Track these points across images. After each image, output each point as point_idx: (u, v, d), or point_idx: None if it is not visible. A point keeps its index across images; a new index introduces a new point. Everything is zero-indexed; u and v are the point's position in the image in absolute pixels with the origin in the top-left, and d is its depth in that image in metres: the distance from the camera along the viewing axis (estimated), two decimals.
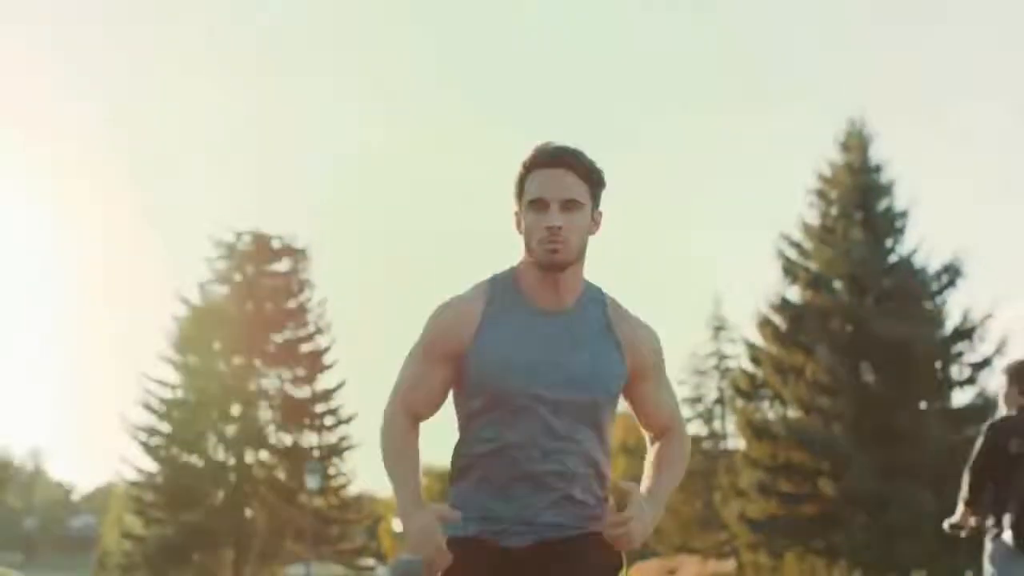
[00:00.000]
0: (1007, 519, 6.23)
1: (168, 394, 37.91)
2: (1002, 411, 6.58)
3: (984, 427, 6.53)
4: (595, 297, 3.26)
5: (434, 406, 3.26)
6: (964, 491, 6.48)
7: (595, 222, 3.23)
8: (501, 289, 3.24)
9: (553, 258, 3.14)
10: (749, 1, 76.92)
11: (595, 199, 3.21)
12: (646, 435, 3.42)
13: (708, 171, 77.17)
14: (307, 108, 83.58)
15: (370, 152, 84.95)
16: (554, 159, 3.18)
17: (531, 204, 3.17)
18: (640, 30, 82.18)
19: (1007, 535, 6.22)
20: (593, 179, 3.20)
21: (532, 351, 3.15)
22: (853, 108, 38.53)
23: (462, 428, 3.27)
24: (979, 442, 6.46)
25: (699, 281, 73.06)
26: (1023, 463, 6.27)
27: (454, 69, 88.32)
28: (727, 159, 75.42)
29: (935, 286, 31.25)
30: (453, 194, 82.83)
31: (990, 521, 6.38)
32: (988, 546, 6.37)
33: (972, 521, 6.50)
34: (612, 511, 3.16)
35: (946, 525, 6.64)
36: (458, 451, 3.27)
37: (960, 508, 6.55)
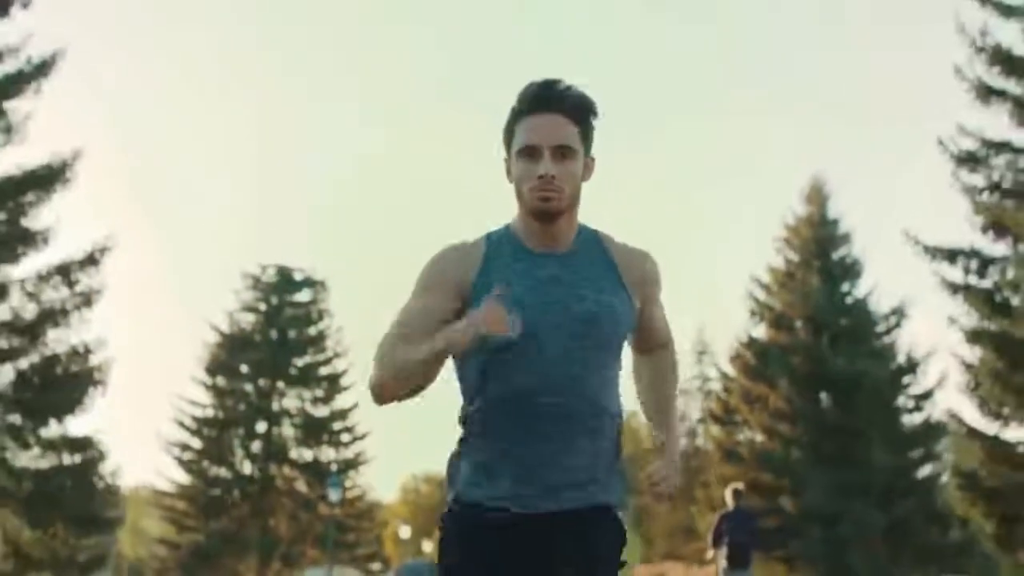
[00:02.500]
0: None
1: (199, 412, 43.28)
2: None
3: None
4: (589, 236, 3.28)
5: (429, 333, 3.14)
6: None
7: (587, 168, 3.21)
8: (497, 238, 3.24)
9: (546, 206, 3.13)
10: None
11: (588, 144, 3.20)
12: (632, 348, 3.49)
13: (706, 183, 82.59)
14: (327, 153, 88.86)
15: (379, 180, 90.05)
16: (545, 103, 3.15)
17: (521, 152, 3.15)
18: (640, 32, 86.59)
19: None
20: (585, 123, 3.18)
21: (536, 291, 3.14)
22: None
23: (466, 383, 3.24)
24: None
25: (686, 304, 78.59)
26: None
27: (464, 91, 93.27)
28: (726, 174, 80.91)
29: (884, 326, 37.12)
30: (467, 220, 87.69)
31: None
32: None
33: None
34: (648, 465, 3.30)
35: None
36: (464, 409, 3.24)
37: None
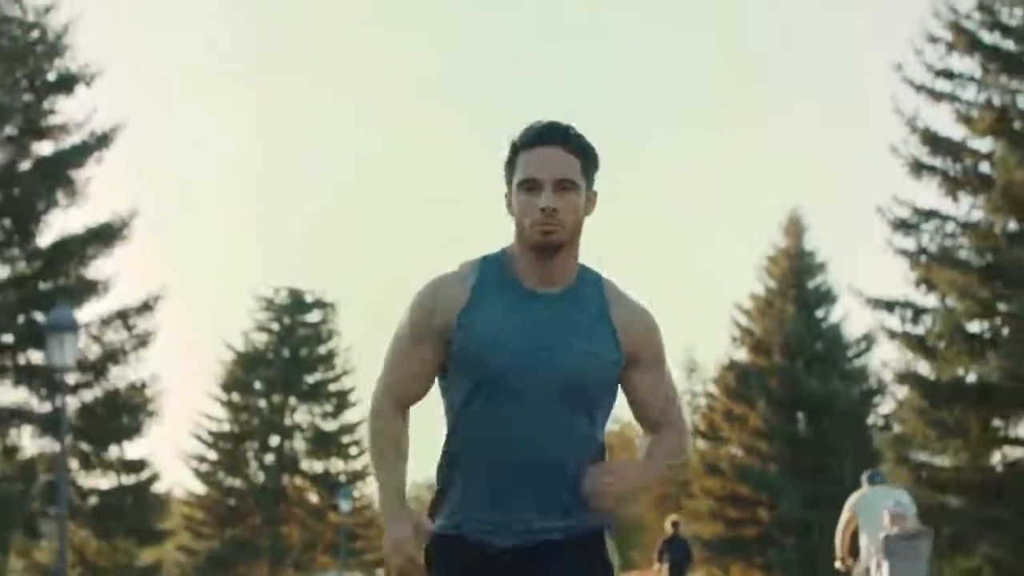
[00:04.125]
0: None
1: (215, 427, 47.16)
2: None
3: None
4: (591, 279, 3.27)
5: (423, 390, 3.27)
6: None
7: (590, 202, 3.24)
8: (491, 268, 3.26)
9: (547, 240, 3.15)
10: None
11: (589, 179, 3.23)
12: (640, 429, 3.46)
13: (702, 195, 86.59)
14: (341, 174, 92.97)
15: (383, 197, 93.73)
16: (547, 137, 3.20)
17: (523, 184, 3.18)
18: (639, 34, 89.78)
19: None
20: (587, 157, 3.23)
21: (522, 333, 3.16)
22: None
23: (448, 416, 3.29)
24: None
25: (677, 314, 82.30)
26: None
27: (463, 91, 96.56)
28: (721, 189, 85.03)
29: (855, 351, 41.50)
30: (469, 223, 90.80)
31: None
32: None
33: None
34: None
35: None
36: (445, 442, 3.29)
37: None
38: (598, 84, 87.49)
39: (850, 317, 41.74)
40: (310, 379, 48.50)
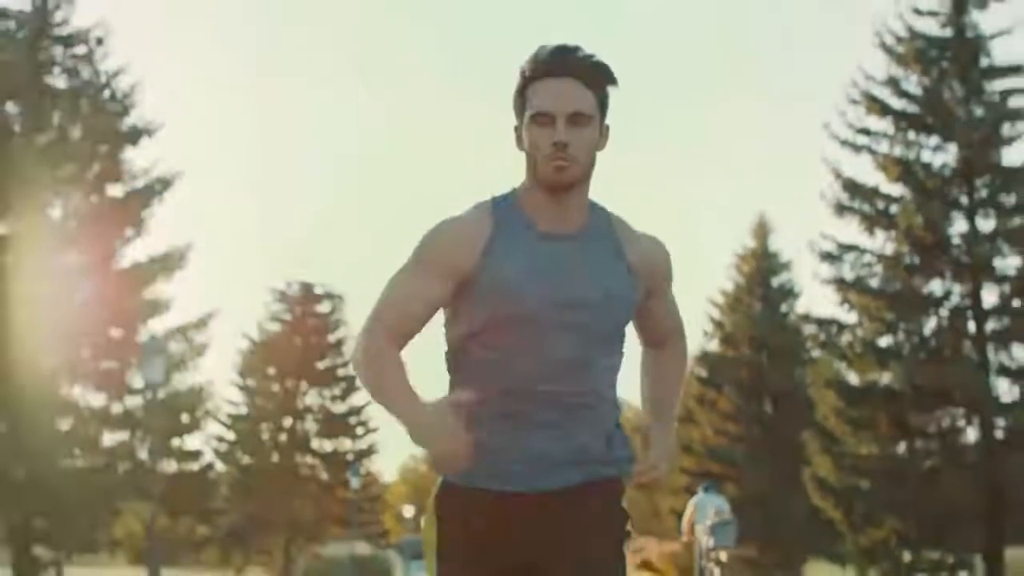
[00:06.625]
0: None
1: (233, 410, 52.42)
2: None
3: None
4: (602, 217, 3.35)
5: (418, 327, 3.31)
6: None
7: (604, 136, 3.27)
8: (504, 212, 3.29)
9: (560, 176, 3.19)
10: None
11: (603, 109, 3.26)
12: (640, 341, 3.60)
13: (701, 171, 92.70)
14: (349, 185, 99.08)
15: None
16: (560, 67, 3.20)
17: (534, 118, 3.20)
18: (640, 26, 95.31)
19: None
20: (600, 86, 3.25)
21: (544, 276, 3.22)
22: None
23: (458, 358, 3.35)
24: None
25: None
26: None
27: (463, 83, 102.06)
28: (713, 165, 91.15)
29: (814, 342, 48.51)
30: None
31: None
32: None
33: None
34: (638, 452, 3.35)
35: None
36: (456, 386, 3.35)
37: None
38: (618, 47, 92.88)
39: (813, 312, 48.78)
40: (320, 365, 53.03)
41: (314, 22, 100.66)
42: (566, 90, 3.20)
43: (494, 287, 3.24)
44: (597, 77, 3.26)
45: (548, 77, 3.22)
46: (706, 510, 19.68)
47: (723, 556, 19.18)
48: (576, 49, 3.24)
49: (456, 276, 3.27)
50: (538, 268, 3.25)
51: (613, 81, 3.28)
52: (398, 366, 3.29)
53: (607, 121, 3.32)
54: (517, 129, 3.30)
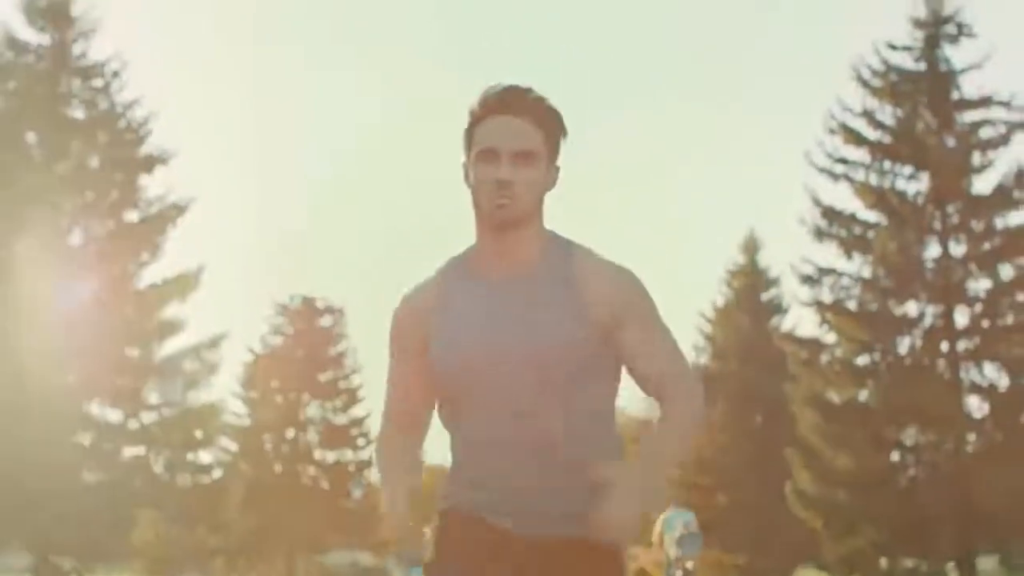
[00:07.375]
0: None
1: (236, 421, 53.54)
2: None
3: None
4: (558, 252, 3.30)
5: (425, 408, 3.44)
6: None
7: (553, 176, 3.26)
8: (453, 268, 3.34)
9: (503, 215, 3.19)
10: None
11: (553, 149, 3.26)
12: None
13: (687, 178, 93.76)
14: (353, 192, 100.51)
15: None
16: (505, 104, 3.22)
17: (480, 155, 3.21)
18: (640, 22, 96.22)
19: None
20: (550, 126, 3.24)
21: (487, 327, 3.25)
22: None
23: (442, 423, 3.45)
24: None
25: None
26: None
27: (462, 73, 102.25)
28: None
29: (795, 361, 50.54)
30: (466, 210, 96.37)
31: None
32: None
33: None
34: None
35: None
36: (450, 446, 3.42)
37: None
38: (602, 66, 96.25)
39: (798, 328, 50.85)
40: (322, 377, 54.05)
41: (324, 55, 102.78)
42: (512, 128, 3.22)
43: (436, 351, 3.33)
44: (546, 117, 3.28)
45: (496, 114, 3.25)
46: (674, 524, 21.59)
47: (689, 564, 21.32)
48: (527, 90, 3.29)
49: (422, 350, 3.37)
50: (478, 320, 3.28)
51: (562, 127, 3.32)
52: (395, 452, 3.45)
53: (558, 163, 3.33)
54: (464, 167, 3.31)
